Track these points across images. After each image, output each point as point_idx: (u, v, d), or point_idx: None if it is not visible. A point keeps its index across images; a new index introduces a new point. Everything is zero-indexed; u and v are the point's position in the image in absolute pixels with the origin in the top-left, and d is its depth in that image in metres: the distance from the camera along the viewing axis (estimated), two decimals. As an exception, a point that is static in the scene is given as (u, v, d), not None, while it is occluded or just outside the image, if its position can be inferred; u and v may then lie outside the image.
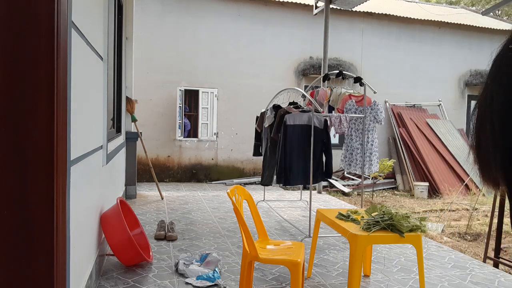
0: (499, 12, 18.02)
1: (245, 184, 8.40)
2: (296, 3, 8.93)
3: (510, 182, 0.55)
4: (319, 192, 7.76)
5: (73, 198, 2.01)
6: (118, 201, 3.39)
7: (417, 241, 2.68)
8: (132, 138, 6.24)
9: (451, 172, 9.02)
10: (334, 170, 7.51)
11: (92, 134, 2.71)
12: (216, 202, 6.38)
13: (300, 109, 4.97)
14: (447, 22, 10.17)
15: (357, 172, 5.25)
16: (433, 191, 8.60)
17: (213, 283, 3.08)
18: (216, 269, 3.27)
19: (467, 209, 7.19)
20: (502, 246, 4.53)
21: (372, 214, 2.89)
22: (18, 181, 1.43)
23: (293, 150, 4.66)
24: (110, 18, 3.72)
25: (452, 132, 9.82)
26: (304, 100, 5.68)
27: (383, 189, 9.11)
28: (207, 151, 8.67)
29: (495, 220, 4.33)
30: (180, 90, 8.46)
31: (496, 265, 4.10)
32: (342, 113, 5.20)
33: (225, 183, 8.48)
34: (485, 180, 0.58)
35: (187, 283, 3.10)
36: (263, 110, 5.93)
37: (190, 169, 8.57)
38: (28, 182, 1.44)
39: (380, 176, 8.33)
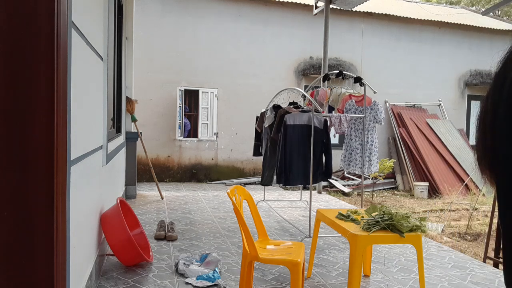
0: (499, 12, 18.02)
1: (245, 184, 8.40)
2: (296, 3, 8.93)
3: (498, 182, 0.56)
4: (319, 192, 7.76)
5: (73, 198, 2.01)
6: (118, 201, 3.39)
7: (417, 241, 2.68)
8: (132, 138, 6.24)
9: (451, 172, 9.02)
10: (334, 170, 7.52)
11: (92, 134, 2.71)
12: (216, 202, 6.38)
13: (300, 109, 4.97)
14: (447, 22, 10.17)
15: (356, 172, 5.25)
16: (433, 191, 8.60)
17: (213, 283, 3.08)
18: (216, 269, 3.27)
19: (467, 209, 7.19)
20: (502, 246, 4.52)
21: (372, 214, 2.89)
22: (18, 181, 1.43)
23: (293, 150, 4.66)
24: (110, 18, 3.72)
25: (452, 132, 9.81)
26: (304, 100, 5.68)
27: (383, 189, 9.11)
28: (207, 151, 8.67)
29: (495, 220, 4.33)
30: (180, 90, 8.46)
31: (496, 265, 4.10)
32: (342, 113, 5.20)
33: (225, 183, 8.48)
34: (482, 171, 0.59)
35: (187, 283, 3.10)
36: (263, 110, 5.93)
37: (190, 169, 8.57)
38: (28, 182, 1.44)
39: (380, 176, 8.33)
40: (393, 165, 8.41)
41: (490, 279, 3.48)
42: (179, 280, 3.17)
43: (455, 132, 9.85)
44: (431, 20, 10.10)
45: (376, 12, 9.60)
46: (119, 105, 5.14)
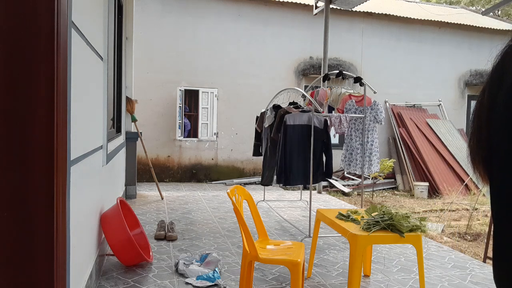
0: (499, 12, 18.02)
1: (245, 184, 8.40)
2: (296, 3, 8.93)
3: (493, 177, 0.55)
4: (319, 192, 7.76)
5: (73, 198, 2.01)
6: (118, 201, 3.39)
7: (417, 241, 2.68)
8: (132, 138, 6.24)
9: (451, 172, 9.02)
10: (334, 170, 7.51)
11: (92, 134, 2.71)
12: (216, 202, 6.38)
13: (300, 109, 4.97)
14: (447, 22, 10.16)
15: (356, 172, 5.25)
16: (433, 191, 8.60)
17: (213, 283, 3.08)
18: (216, 269, 3.27)
19: (467, 209, 7.19)
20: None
21: (372, 214, 2.89)
22: (18, 181, 1.43)
23: (293, 150, 4.66)
24: (110, 18, 3.72)
25: (452, 132, 9.81)
26: (304, 100, 5.68)
27: (383, 189, 9.11)
28: (207, 151, 8.67)
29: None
30: (180, 90, 8.46)
31: (496, 265, 4.10)
32: (342, 113, 5.20)
33: (225, 183, 8.48)
34: (475, 166, 0.59)
35: (187, 283, 3.10)
36: (263, 110, 5.93)
37: (190, 169, 8.57)
38: (28, 182, 1.44)
39: (380, 176, 8.33)
40: (393, 164, 8.41)
41: (490, 279, 3.48)
42: (179, 280, 3.17)
43: (455, 132, 9.85)
44: (431, 20, 10.09)
45: (376, 12, 9.60)
46: (119, 105, 5.14)
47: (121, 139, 5.25)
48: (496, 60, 0.55)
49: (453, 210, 7.17)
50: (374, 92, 4.90)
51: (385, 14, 9.69)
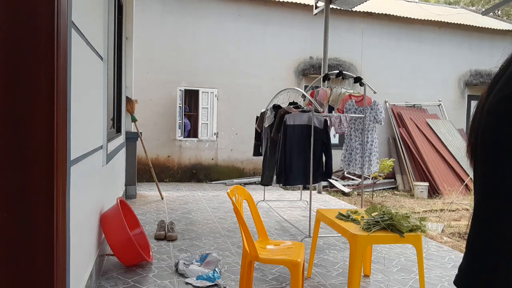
0: (499, 12, 18.02)
1: (245, 184, 8.40)
2: (296, 3, 8.93)
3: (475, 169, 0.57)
4: (319, 192, 7.76)
5: (73, 198, 2.01)
6: (118, 201, 3.39)
7: (417, 241, 2.68)
8: (132, 138, 6.24)
9: (451, 172, 9.02)
10: (334, 170, 7.51)
11: (92, 134, 2.71)
12: (216, 202, 6.38)
13: (300, 109, 4.97)
14: (447, 22, 10.16)
15: (356, 172, 5.25)
16: (433, 191, 8.60)
17: (213, 283, 3.08)
18: (216, 269, 3.27)
19: (467, 209, 7.19)
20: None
21: (372, 214, 2.89)
22: (18, 181, 1.43)
23: (293, 150, 4.66)
24: (110, 18, 3.72)
25: (452, 132, 9.81)
26: (304, 100, 5.68)
27: (383, 189, 9.11)
28: (207, 151, 8.67)
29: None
30: (180, 90, 8.46)
31: (496, 265, 4.10)
32: (342, 113, 5.20)
33: (225, 183, 8.48)
34: (470, 163, 0.62)
35: (187, 283, 3.10)
36: (263, 110, 5.93)
37: (190, 169, 8.57)
38: (28, 182, 1.44)
39: (380, 176, 8.33)
40: (393, 164, 8.41)
41: (490, 279, 3.48)
42: (179, 280, 3.17)
43: (455, 132, 9.85)
44: (431, 20, 10.09)
45: (376, 12, 9.60)
46: (119, 105, 5.14)
47: (121, 139, 5.25)
48: (502, 64, 0.57)
49: (453, 210, 7.17)
50: (374, 92, 4.90)
51: (385, 14, 9.69)
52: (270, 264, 3.49)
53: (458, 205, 7.45)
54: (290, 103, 5.43)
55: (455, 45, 10.42)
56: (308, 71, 9.23)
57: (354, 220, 2.91)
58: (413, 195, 8.52)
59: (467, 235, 0.60)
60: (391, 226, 2.66)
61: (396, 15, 9.73)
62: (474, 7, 18.26)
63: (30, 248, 1.44)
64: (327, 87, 5.66)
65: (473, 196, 0.58)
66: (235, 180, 8.52)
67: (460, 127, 10.36)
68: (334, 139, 8.64)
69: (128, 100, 6.16)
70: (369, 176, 8.22)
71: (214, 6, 8.60)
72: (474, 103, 10.71)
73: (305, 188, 7.13)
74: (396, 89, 9.93)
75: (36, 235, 1.45)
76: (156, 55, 8.30)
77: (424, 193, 8.43)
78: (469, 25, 10.33)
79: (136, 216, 3.86)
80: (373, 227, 2.65)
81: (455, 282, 0.59)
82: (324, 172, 4.84)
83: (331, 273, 3.49)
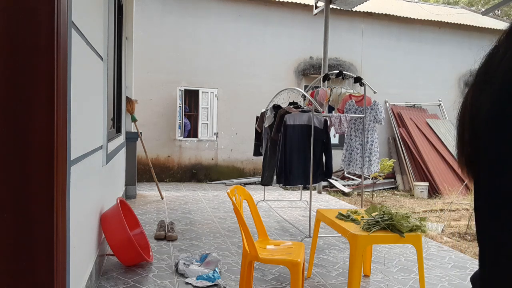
0: (499, 12, 18.03)
1: (245, 184, 8.40)
2: (296, 3, 8.93)
3: (476, 182, 0.54)
4: (319, 192, 7.76)
5: (73, 198, 2.01)
6: (118, 201, 3.39)
7: (417, 241, 2.68)
8: (132, 138, 6.24)
9: (451, 172, 9.02)
10: (334, 170, 7.51)
11: (92, 134, 2.71)
12: (216, 202, 6.38)
13: (300, 109, 4.97)
14: (447, 22, 10.16)
15: (356, 172, 5.25)
16: (433, 191, 8.60)
17: (213, 283, 3.08)
18: (216, 269, 3.27)
19: (467, 209, 7.19)
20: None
21: (372, 214, 2.89)
22: (18, 181, 1.43)
23: (293, 150, 4.66)
24: (110, 18, 3.72)
25: (452, 132, 9.81)
26: (304, 100, 5.68)
27: (383, 189, 9.11)
28: (207, 151, 8.67)
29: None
30: (180, 90, 8.46)
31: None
32: (342, 113, 5.20)
33: (225, 183, 8.48)
34: (461, 168, 0.59)
35: (187, 283, 3.10)
36: (263, 110, 5.93)
37: (190, 169, 8.57)
38: (28, 182, 1.44)
39: (380, 176, 8.33)
40: (393, 164, 8.41)
41: (490, 279, 3.48)
42: (179, 280, 3.17)
43: (455, 132, 9.84)
44: (431, 20, 10.09)
45: (376, 12, 9.60)
46: (119, 105, 5.14)
47: (121, 139, 5.25)
48: (481, 62, 0.55)
49: (453, 210, 7.17)
50: (374, 92, 4.90)
51: (385, 14, 9.69)
52: (270, 264, 3.49)
53: (458, 205, 7.45)
54: (290, 103, 5.43)
55: (455, 45, 10.42)
56: (308, 71, 9.23)
57: (354, 220, 2.91)
58: (413, 195, 8.52)
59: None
60: (391, 226, 2.66)
61: (396, 15, 9.73)
62: (474, 7, 18.26)
63: (30, 248, 1.44)
64: (327, 87, 5.66)
65: (473, 196, 0.56)
66: (235, 180, 8.52)
67: (460, 127, 10.34)
68: (334, 139, 8.64)
69: (128, 100, 6.16)
70: (369, 176, 8.22)
71: (214, 6, 8.60)
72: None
73: (305, 188, 7.13)
74: (396, 89, 9.93)
75: (36, 235, 1.45)
76: (156, 55, 8.30)
77: (424, 193, 8.43)
78: (469, 25, 10.33)
79: (136, 216, 3.86)
80: (373, 227, 2.65)
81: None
82: (324, 172, 4.83)
83: (331, 273, 3.49)
